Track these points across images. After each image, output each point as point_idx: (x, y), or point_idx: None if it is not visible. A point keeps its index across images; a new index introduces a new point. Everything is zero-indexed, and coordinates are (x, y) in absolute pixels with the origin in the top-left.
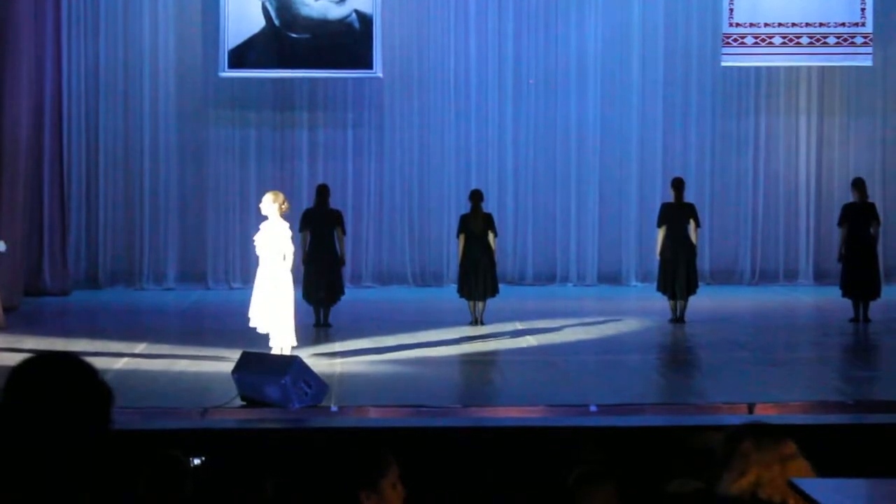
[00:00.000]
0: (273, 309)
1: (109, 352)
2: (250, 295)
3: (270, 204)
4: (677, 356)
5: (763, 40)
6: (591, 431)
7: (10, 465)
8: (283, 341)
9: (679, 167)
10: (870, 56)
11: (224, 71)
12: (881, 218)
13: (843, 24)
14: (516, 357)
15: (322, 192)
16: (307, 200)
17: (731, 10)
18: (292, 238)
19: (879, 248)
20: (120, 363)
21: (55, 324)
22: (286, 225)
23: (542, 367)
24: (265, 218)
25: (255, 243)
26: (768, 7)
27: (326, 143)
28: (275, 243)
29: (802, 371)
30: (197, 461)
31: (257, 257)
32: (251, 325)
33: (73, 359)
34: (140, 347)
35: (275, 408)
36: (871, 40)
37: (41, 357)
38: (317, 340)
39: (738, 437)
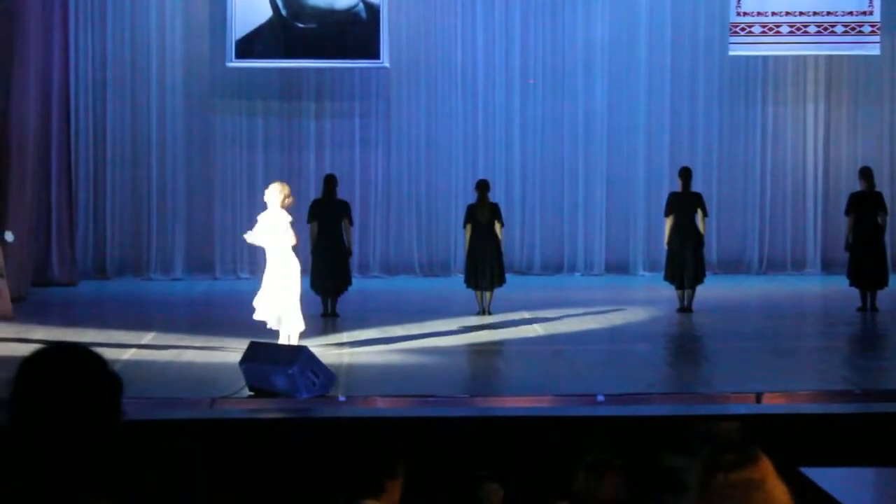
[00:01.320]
0: (279, 294)
1: (117, 342)
2: (258, 285)
3: (276, 194)
4: (685, 346)
5: (770, 29)
6: (599, 421)
7: (22, 456)
8: (291, 326)
9: (686, 157)
10: (877, 45)
11: (231, 61)
12: (888, 207)
13: (850, 13)
14: (523, 347)
15: (329, 182)
16: (314, 190)
17: None
18: (292, 223)
19: (887, 237)
20: (128, 353)
21: (63, 314)
22: (286, 215)
23: (550, 356)
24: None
25: (254, 236)
26: None
27: (334, 133)
28: (273, 231)
29: (810, 360)
30: (206, 451)
31: (260, 249)
32: (255, 317)
33: (82, 350)
34: (148, 338)
35: (282, 398)
36: (878, 29)
37: (51, 348)
38: (324, 330)
39: (698, 458)
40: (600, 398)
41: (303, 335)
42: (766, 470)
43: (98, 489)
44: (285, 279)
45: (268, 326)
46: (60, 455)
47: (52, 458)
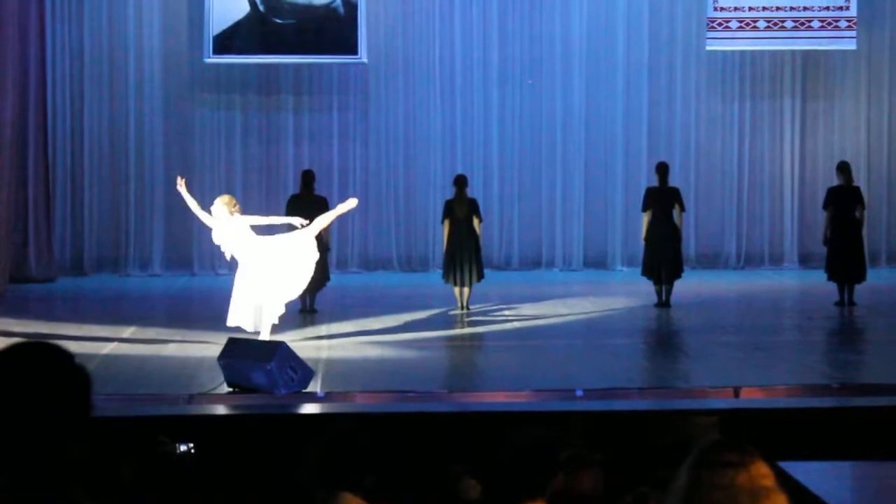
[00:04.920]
0: (251, 293)
1: (95, 338)
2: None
3: (220, 206)
4: (663, 340)
5: (748, 24)
6: (578, 416)
7: None
8: (271, 311)
9: (664, 151)
10: (854, 40)
11: (209, 57)
12: (866, 201)
13: (827, 8)
14: (502, 342)
15: (307, 178)
16: (293, 184)
17: None
18: (254, 226)
19: (865, 231)
20: (106, 350)
21: (41, 310)
22: (243, 220)
23: (528, 351)
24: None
25: (223, 250)
26: None
27: (312, 128)
28: (240, 240)
29: (788, 354)
30: (184, 447)
31: (229, 259)
32: (229, 323)
33: (48, 346)
34: (126, 334)
35: (261, 394)
36: (855, 24)
37: (17, 345)
38: (303, 326)
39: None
40: (579, 393)
41: (282, 328)
42: (759, 475)
43: (73, 485)
44: (257, 275)
45: (246, 329)
46: (31, 452)
47: (22, 455)
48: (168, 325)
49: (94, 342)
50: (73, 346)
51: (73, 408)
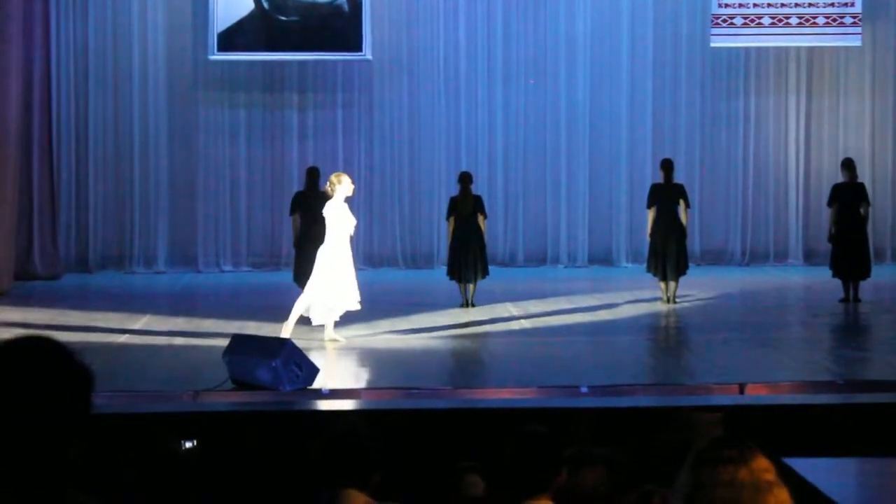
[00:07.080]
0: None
1: (100, 336)
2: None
3: (350, 185)
4: (668, 337)
5: (752, 21)
6: (582, 413)
7: None
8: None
9: (668, 148)
10: (859, 36)
11: (213, 54)
12: (871, 198)
13: (832, 5)
14: (507, 338)
15: (312, 174)
16: (297, 182)
17: None
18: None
19: (869, 227)
20: (111, 347)
21: (46, 307)
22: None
23: (533, 348)
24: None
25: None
26: None
27: (316, 125)
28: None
29: (793, 351)
30: (189, 444)
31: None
32: (354, 308)
33: (48, 340)
34: (130, 331)
35: (266, 391)
36: (860, 20)
37: (16, 340)
38: (308, 323)
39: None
40: (584, 390)
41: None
42: (760, 469)
43: (72, 484)
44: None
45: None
46: (29, 449)
47: (20, 452)
48: (173, 323)
49: (99, 339)
50: (77, 343)
51: (73, 405)
